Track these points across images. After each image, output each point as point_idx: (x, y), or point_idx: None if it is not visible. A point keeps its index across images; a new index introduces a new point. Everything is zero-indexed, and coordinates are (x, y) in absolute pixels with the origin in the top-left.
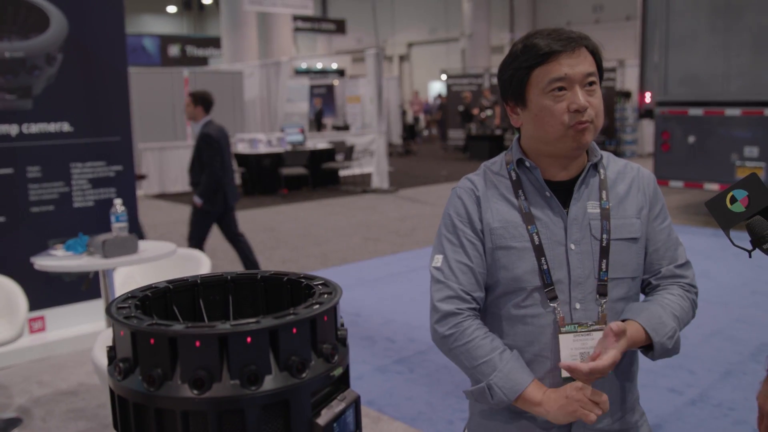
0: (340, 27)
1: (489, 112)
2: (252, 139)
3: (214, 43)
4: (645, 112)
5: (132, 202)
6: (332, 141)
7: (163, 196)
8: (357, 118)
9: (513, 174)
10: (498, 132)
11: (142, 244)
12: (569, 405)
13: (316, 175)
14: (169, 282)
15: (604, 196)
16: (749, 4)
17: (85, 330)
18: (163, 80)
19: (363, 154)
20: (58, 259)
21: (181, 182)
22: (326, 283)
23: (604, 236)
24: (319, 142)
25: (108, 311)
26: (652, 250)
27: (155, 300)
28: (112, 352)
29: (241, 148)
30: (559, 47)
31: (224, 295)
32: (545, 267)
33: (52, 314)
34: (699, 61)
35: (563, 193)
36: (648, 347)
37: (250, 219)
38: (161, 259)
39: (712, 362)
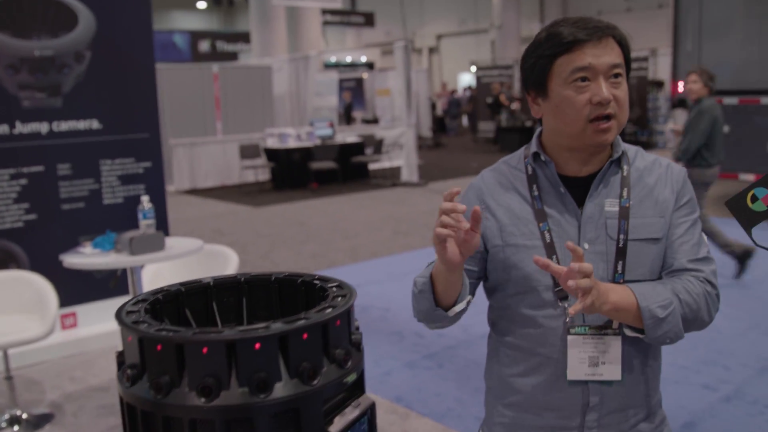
0: (368, 20)
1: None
2: (281, 134)
3: (244, 38)
4: (678, 102)
5: (161, 198)
6: (361, 134)
7: (193, 192)
8: (386, 111)
9: (529, 168)
10: (528, 124)
11: (170, 241)
12: (438, 223)
13: (346, 168)
14: (182, 284)
15: (624, 193)
16: None
17: (115, 326)
18: (193, 76)
19: (392, 147)
20: (85, 257)
21: (211, 178)
22: (341, 285)
23: (621, 236)
24: (348, 135)
25: (117, 315)
26: (668, 243)
27: (167, 303)
28: (121, 357)
29: (270, 142)
30: (584, 36)
31: (238, 296)
32: None
33: (83, 310)
34: (733, 49)
35: (581, 189)
36: (642, 330)
37: (279, 213)
38: (188, 256)
39: (747, 357)
